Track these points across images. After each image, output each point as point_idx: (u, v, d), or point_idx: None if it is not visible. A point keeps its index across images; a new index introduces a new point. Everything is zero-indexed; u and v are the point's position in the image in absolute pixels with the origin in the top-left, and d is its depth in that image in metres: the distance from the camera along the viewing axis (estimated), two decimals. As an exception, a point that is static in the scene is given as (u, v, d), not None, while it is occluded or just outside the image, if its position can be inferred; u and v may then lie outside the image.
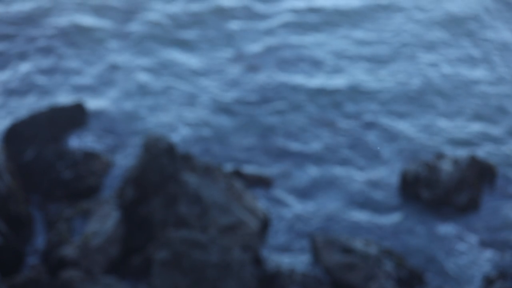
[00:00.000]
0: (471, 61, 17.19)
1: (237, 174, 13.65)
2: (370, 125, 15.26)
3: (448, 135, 15.13)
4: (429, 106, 15.79)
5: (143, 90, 15.99)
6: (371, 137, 14.98)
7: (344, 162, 14.36)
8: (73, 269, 11.30)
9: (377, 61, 17.01)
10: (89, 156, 13.77)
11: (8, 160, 12.83)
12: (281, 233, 12.87)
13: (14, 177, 12.66)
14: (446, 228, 13.08)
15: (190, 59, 16.91)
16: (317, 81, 16.30)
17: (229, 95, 15.85)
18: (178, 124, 15.06)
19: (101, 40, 17.38)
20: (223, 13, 18.46)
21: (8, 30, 17.49)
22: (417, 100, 15.95)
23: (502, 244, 12.84)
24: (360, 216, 13.27)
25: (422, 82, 16.47)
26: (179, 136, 14.67)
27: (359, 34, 17.91)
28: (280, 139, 14.75)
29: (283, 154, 14.48)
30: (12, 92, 15.81)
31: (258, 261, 11.93)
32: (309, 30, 18.01)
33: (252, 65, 16.68)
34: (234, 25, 18.04)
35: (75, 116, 14.85)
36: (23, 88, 15.90)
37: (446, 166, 13.60)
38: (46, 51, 16.94)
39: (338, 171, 14.17)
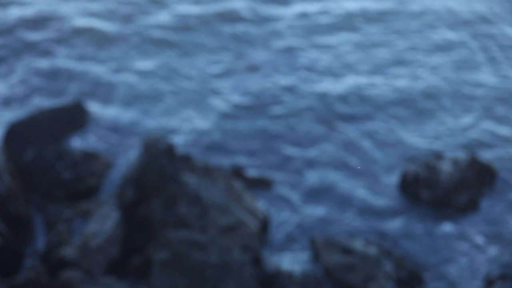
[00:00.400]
0: (475, 64, 17.16)
1: (237, 174, 13.65)
2: (370, 126, 15.26)
3: (449, 135, 15.13)
4: (430, 108, 15.78)
5: (143, 92, 15.99)
6: (371, 137, 14.98)
7: (344, 163, 14.35)
8: (73, 269, 11.30)
9: (380, 65, 16.98)
10: (89, 156, 13.77)
11: (8, 161, 12.83)
12: (281, 233, 12.86)
13: (13, 177, 12.66)
14: (446, 229, 13.08)
15: (191, 62, 16.91)
16: (319, 84, 16.28)
17: (231, 99, 15.84)
18: (178, 126, 15.05)
19: (101, 43, 17.37)
20: (227, 16, 18.44)
21: (8, 33, 17.48)
22: (418, 102, 15.94)
23: (502, 244, 12.84)
24: (360, 216, 13.27)
25: (424, 85, 16.47)
26: (179, 137, 14.67)
27: (362, 37, 17.88)
28: (281, 141, 14.74)
29: (283, 155, 14.47)
30: (12, 92, 15.81)
31: (257, 262, 11.93)
32: (313, 33, 17.98)
33: (254, 68, 16.67)
34: (237, 28, 18.01)
35: (75, 117, 14.85)
36: (23, 89, 15.90)
37: (446, 167, 13.60)
38: (46, 53, 16.93)
39: (338, 171, 14.17)
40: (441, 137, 15.00)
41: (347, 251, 12.09)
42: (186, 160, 12.81)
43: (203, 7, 18.79)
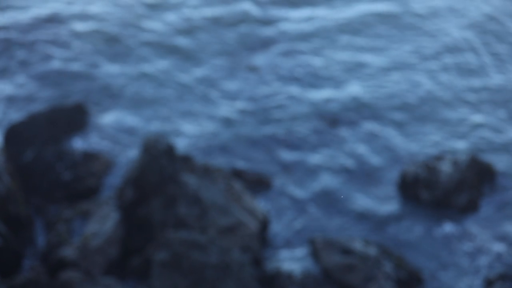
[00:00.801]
0: (478, 66, 17.15)
1: (237, 175, 13.64)
2: (370, 130, 15.26)
3: (449, 136, 15.13)
4: (432, 111, 15.76)
5: (143, 93, 15.99)
6: (372, 140, 14.98)
7: (344, 164, 14.35)
8: (73, 270, 11.30)
9: (380, 70, 16.96)
10: (89, 157, 13.77)
11: (8, 161, 12.83)
12: (281, 234, 12.86)
13: (13, 178, 12.66)
14: (446, 229, 13.08)
15: (193, 66, 16.89)
16: (319, 88, 16.26)
17: (232, 103, 15.84)
18: (178, 128, 15.05)
19: (100, 46, 17.36)
20: (230, 20, 18.42)
21: (8, 37, 17.47)
22: (419, 106, 15.92)
23: (502, 244, 12.84)
24: (360, 217, 13.27)
25: (425, 88, 16.46)
26: (179, 139, 14.66)
27: (361, 43, 17.85)
28: (281, 143, 14.74)
29: (283, 157, 14.47)
30: (12, 94, 15.81)
31: (257, 262, 11.92)
32: (311, 39, 17.97)
33: (256, 72, 16.66)
34: (239, 32, 17.99)
35: (74, 117, 14.85)
36: (23, 92, 15.90)
37: (445, 167, 13.60)
38: (46, 56, 16.92)
39: (338, 172, 14.17)
40: (441, 140, 14.99)
41: (346, 251, 12.09)
42: (186, 161, 12.81)
43: (205, 11, 18.78)
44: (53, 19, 18.23)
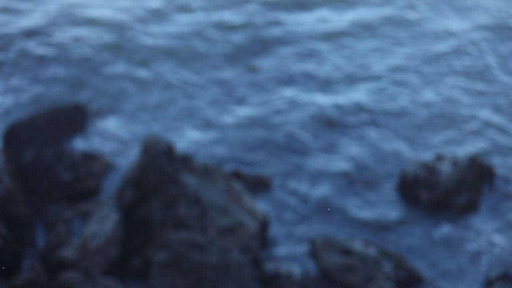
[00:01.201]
0: (478, 72, 17.16)
1: (236, 175, 13.65)
2: (370, 128, 15.26)
3: (449, 137, 15.14)
4: (432, 115, 15.76)
5: (143, 95, 15.99)
6: (370, 137, 14.98)
7: (343, 164, 14.36)
8: (72, 270, 11.29)
9: (381, 74, 16.93)
10: (88, 157, 13.77)
11: (7, 162, 12.83)
12: (280, 234, 12.87)
13: (13, 178, 12.66)
14: (445, 230, 13.08)
15: (192, 70, 16.88)
16: (320, 94, 16.26)
17: (233, 107, 15.85)
18: (179, 131, 15.06)
19: (102, 49, 17.35)
20: (233, 23, 18.42)
21: (8, 41, 17.46)
22: (420, 110, 15.93)
23: (502, 245, 12.84)
24: (359, 217, 13.27)
25: (427, 92, 16.46)
26: (179, 142, 14.66)
27: (362, 46, 17.84)
28: (281, 145, 14.74)
29: (282, 156, 14.48)
30: (11, 93, 15.81)
31: (257, 263, 11.92)
32: (314, 42, 17.96)
33: (258, 76, 16.66)
34: (242, 35, 17.98)
35: (74, 118, 14.85)
36: (22, 93, 15.91)
37: (445, 168, 13.60)
38: (46, 60, 16.93)
39: (337, 173, 14.17)
40: (442, 145, 15.00)
41: (346, 252, 12.09)
42: (186, 161, 12.81)
43: (207, 14, 18.77)
44: (54, 23, 18.23)
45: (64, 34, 17.79)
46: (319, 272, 12.02)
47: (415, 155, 14.52)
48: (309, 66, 17.04)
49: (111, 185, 13.45)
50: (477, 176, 13.75)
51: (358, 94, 16.21)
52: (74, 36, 17.73)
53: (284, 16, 18.85)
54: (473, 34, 18.42)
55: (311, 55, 17.44)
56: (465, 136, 15.17)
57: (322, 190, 13.79)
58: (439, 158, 13.95)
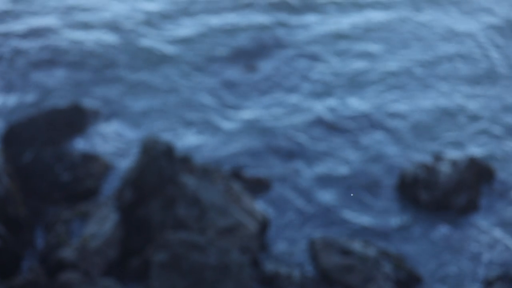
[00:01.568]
0: (477, 77, 17.15)
1: (236, 176, 13.64)
2: (369, 129, 15.26)
3: (449, 137, 15.14)
4: (431, 119, 15.76)
5: (142, 96, 15.99)
6: (370, 140, 14.98)
7: (343, 165, 14.36)
8: (72, 271, 11.29)
9: (380, 78, 16.92)
10: (88, 158, 13.76)
11: (6, 162, 12.83)
12: (280, 235, 12.86)
13: (12, 179, 12.65)
14: (445, 230, 13.07)
15: (191, 74, 16.88)
16: (320, 98, 16.25)
17: (231, 111, 15.85)
18: (177, 128, 15.05)
19: (102, 53, 17.33)
20: (235, 27, 18.41)
21: (7, 46, 17.46)
22: (421, 114, 15.92)
23: (501, 245, 12.83)
24: (359, 218, 13.27)
25: (427, 96, 16.46)
26: (178, 139, 14.66)
27: (361, 50, 17.80)
28: (280, 148, 14.73)
29: (282, 157, 14.47)
30: (11, 96, 15.81)
31: (256, 263, 11.92)
32: (313, 46, 17.95)
33: (255, 80, 16.65)
34: (244, 39, 17.97)
35: (73, 118, 14.85)
36: (21, 91, 15.90)
37: (444, 168, 13.59)
38: (47, 63, 16.93)
39: (337, 173, 14.17)
40: (442, 149, 15.00)
41: (346, 252, 12.08)
42: (185, 162, 12.80)
43: (207, 19, 18.76)
44: (53, 25, 18.23)
45: (64, 37, 17.78)
46: (318, 272, 12.01)
47: (415, 159, 14.51)
48: (310, 70, 17.04)
49: (110, 185, 13.45)
50: (476, 177, 13.74)
51: (359, 98, 16.20)
52: (74, 39, 17.73)
53: (286, 19, 18.84)
54: (478, 36, 18.42)
55: (312, 58, 17.43)
56: (466, 139, 15.16)
57: (321, 191, 13.79)
58: (439, 158, 13.95)
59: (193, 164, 12.85)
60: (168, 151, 12.45)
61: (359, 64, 17.24)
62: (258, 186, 13.70)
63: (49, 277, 11.43)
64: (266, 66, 17.04)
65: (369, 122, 15.47)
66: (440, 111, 15.89)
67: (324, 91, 16.35)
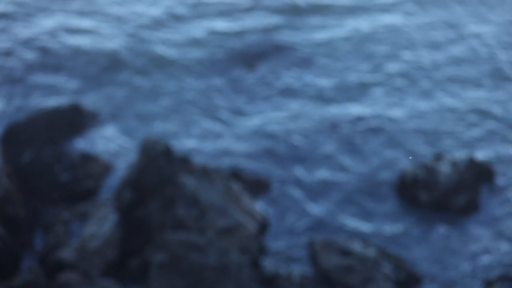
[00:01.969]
0: (474, 80, 17.14)
1: (235, 176, 13.63)
2: (369, 129, 15.25)
3: (448, 137, 15.13)
4: (430, 122, 15.75)
5: (142, 99, 15.98)
6: (370, 140, 14.98)
7: (343, 165, 14.35)
8: (71, 271, 11.28)
9: (380, 82, 16.91)
10: (87, 158, 13.75)
11: (6, 163, 12.82)
12: (279, 235, 12.85)
13: (11, 179, 12.64)
14: (445, 230, 13.07)
15: (190, 78, 16.87)
16: (321, 102, 16.23)
17: (230, 115, 15.84)
18: (177, 128, 15.04)
19: (101, 59, 17.32)
20: (237, 31, 18.40)
21: (7, 51, 17.46)
22: (422, 117, 15.91)
23: (501, 245, 12.83)
24: (358, 218, 13.26)
25: (427, 100, 16.44)
26: (177, 140, 14.64)
27: (362, 55, 17.78)
28: (280, 150, 14.73)
29: (282, 159, 14.47)
30: (10, 94, 15.80)
31: (256, 264, 11.91)
32: (314, 49, 17.93)
33: (254, 83, 16.64)
34: (246, 42, 17.96)
35: (72, 119, 14.84)
36: (21, 92, 15.90)
37: (444, 168, 13.59)
38: (47, 67, 16.92)
39: (336, 173, 14.17)
40: (439, 135, 15.00)
41: (345, 252, 12.07)
42: (184, 162, 12.79)
43: (207, 23, 18.74)
44: (55, 30, 18.22)
45: (65, 39, 17.79)
46: (318, 272, 12.01)
47: (416, 159, 14.52)
48: (308, 75, 17.03)
49: (109, 186, 13.45)
50: (476, 177, 13.73)
51: (362, 101, 16.19)
52: (75, 42, 17.73)
53: (291, 22, 18.83)
54: (484, 39, 18.42)
55: (313, 63, 17.43)
56: (470, 140, 15.15)
57: (321, 191, 13.79)
58: (439, 158, 13.94)
59: (192, 164, 12.84)
60: (167, 152, 12.44)
61: (364, 67, 17.23)
62: (258, 187, 13.69)
63: (48, 277, 11.42)
64: (268, 70, 17.04)
65: (370, 125, 15.47)
66: (445, 112, 15.89)
67: (326, 95, 16.34)
